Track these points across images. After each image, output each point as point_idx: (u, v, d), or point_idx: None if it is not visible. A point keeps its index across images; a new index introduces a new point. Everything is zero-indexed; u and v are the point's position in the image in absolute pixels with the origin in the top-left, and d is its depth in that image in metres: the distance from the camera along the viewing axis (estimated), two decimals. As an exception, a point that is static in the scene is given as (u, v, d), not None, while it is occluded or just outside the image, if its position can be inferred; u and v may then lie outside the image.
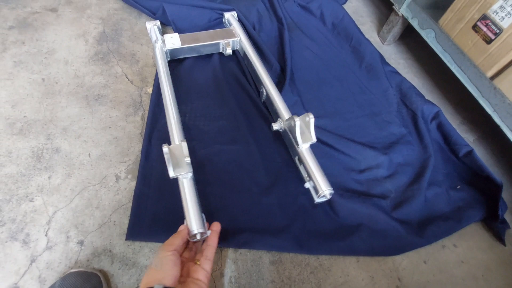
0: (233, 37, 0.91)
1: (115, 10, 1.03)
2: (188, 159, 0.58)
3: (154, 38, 0.86)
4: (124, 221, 0.64)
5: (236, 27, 0.93)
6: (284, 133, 0.74)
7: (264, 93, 0.80)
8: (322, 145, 0.79)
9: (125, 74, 0.86)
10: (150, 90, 0.84)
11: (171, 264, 0.47)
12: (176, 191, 0.60)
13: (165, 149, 0.55)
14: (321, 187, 0.61)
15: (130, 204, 0.65)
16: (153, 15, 0.99)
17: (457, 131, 0.84)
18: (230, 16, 0.97)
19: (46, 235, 0.61)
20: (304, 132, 0.65)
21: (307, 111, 0.85)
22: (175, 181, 0.61)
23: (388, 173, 0.78)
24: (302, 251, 0.63)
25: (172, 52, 0.87)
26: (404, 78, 0.97)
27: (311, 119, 0.62)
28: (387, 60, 1.03)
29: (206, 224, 0.57)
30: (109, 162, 0.71)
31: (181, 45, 0.85)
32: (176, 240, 0.52)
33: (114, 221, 0.63)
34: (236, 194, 0.69)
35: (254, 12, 1.05)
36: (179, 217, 0.59)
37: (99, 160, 0.71)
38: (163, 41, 0.85)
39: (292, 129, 0.66)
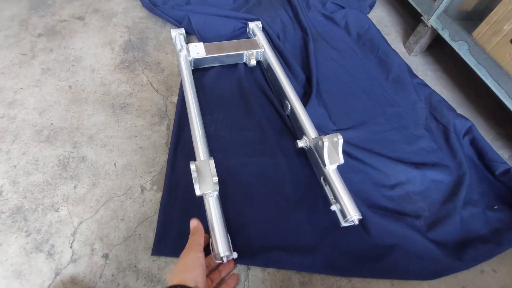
0: (257, 48, 0.89)
1: (141, 18, 1.03)
2: (215, 179, 0.56)
3: (179, 47, 0.86)
4: (149, 234, 0.62)
5: (261, 37, 0.92)
6: (309, 151, 0.71)
7: (289, 108, 0.78)
8: (350, 159, 0.76)
9: (151, 83, 0.86)
10: (175, 99, 0.83)
11: (203, 267, 0.49)
12: (204, 204, 0.59)
13: (192, 166, 0.55)
14: (349, 212, 0.58)
15: (156, 217, 0.63)
16: (179, 24, 0.99)
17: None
18: (255, 26, 0.96)
19: (71, 247, 0.60)
20: (332, 153, 0.62)
21: (334, 124, 0.84)
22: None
23: (420, 189, 0.74)
24: (334, 272, 0.60)
25: (196, 61, 0.87)
26: (434, 91, 0.93)
27: (339, 139, 0.59)
28: (414, 72, 1.01)
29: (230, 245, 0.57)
30: (134, 172, 0.70)
31: (205, 54, 0.85)
32: (201, 240, 0.54)
33: (140, 234, 0.62)
34: (264, 208, 0.66)
35: (278, 21, 1.04)
36: (208, 232, 0.57)
37: (125, 170, 0.70)
38: (188, 50, 0.85)
39: (318, 148, 0.64)
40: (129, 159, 0.71)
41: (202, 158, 0.64)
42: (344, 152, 0.76)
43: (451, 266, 0.63)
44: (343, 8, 1.14)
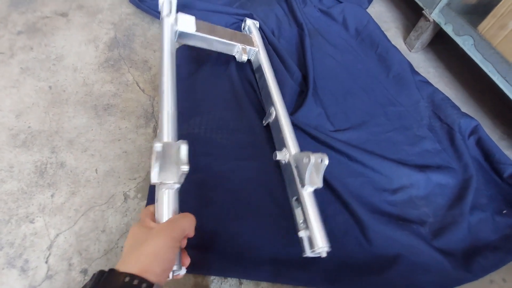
0: (252, 46, 0.83)
1: (128, 15, 0.98)
2: (185, 168, 0.43)
3: (166, 12, 0.71)
4: (132, 247, 0.57)
5: (256, 36, 0.85)
6: (285, 166, 0.61)
7: (273, 115, 0.69)
8: (349, 161, 0.72)
9: (137, 82, 0.81)
10: (163, 99, 0.78)
11: (172, 264, 0.38)
12: (193, 211, 0.51)
13: (158, 145, 0.42)
14: (317, 243, 0.48)
15: (140, 228, 0.58)
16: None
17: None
18: (252, 24, 0.90)
19: (46, 262, 0.55)
20: (313, 174, 0.53)
21: (332, 124, 0.79)
22: (189, 200, 0.54)
23: (424, 193, 0.70)
24: (332, 286, 0.56)
25: (182, 35, 0.74)
26: (437, 89, 0.89)
27: (324, 162, 0.50)
28: (416, 69, 0.96)
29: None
30: (117, 179, 0.65)
31: (195, 31, 0.73)
32: (188, 230, 0.41)
33: (122, 247, 0.57)
34: (256, 217, 0.61)
35: (272, 17, 0.98)
36: (195, 243, 0.52)
37: (107, 176, 0.65)
38: (176, 20, 0.72)
39: (300, 166, 0.54)
40: (112, 165, 0.66)
41: (168, 140, 0.51)
42: (342, 154, 0.72)
43: (459, 278, 0.59)
44: (341, 2, 1.09)
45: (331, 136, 0.73)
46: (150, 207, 0.43)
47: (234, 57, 0.82)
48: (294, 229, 0.61)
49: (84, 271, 0.54)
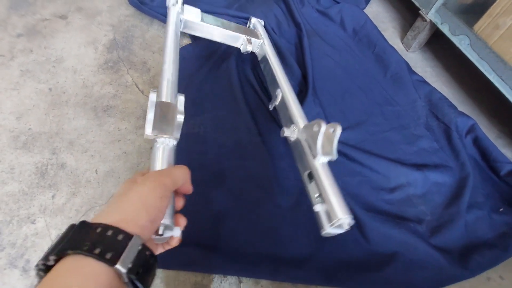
0: (257, 38, 0.82)
1: (126, 16, 0.98)
2: (181, 118, 0.41)
3: (173, 1, 0.71)
4: (132, 246, 0.58)
5: (261, 31, 0.86)
6: (295, 143, 0.57)
7: (279, 97, 0.67)
8: (347, 161, 0.72)
9: (136, 84, 0.81)
10: (162, 100, 0.78)
11: (162, 214, 0.30)
12: (193, 209, 0.47)
13: (153, 95, 0.40)
14: (336, 214, 0.41)
15: (140, 227, 0.59)
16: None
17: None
18: (257, 22, 0.90)
19: (47, 262, 0.55)
20: (325, 145, 0.48)
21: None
22: (189, 198, 0.54)
23: (421, 191, 0.71)
24: (331, 283, 0.56)
25: (188, 24, 0.73)
26: (434, 88, 0.89)
27: (337, 130, 0.45)
28: (413, 69, 0.97)
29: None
30: (117, 179, 0.65)
31: (200, 21, 0.73)
32: (182, 180, 0.34)
33: (122, 247, 0.57)
34: (254, 217, 0.62)
35: (272, 17, 0.99)
36: (195, 241, 0.53)
37: (107, 177, 0.65)
38: (182, 9, 0.72)
39: (311, 136, 0.50)
40: (112, 165, 0.67)
41: (167, 100, 0.47)
42: (340, 153, 0.72)
43: (456, 275, 0.59)
44: (338, 3, 1.09)
45: (329, 136, 0.74)
46: (143, 170, 0.39)
47: (233, 57, 0.83)
48: (293, 227, 0.62)
49: (85, 271, 0.55)
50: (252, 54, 0.85)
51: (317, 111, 0.80)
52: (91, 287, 0.22)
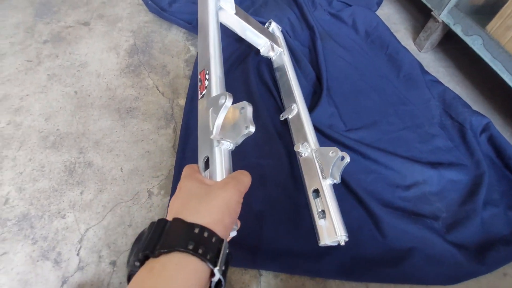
0: (278, 45, 0.86)
1: (146, 22, 1.03)
2: (251, 129, 0.39)
3: None
4: (157, 240, 0.60)
5: (281, 38, 0.89)
6: (305, 160, 0.64)
7: (294, 112, 0.73)
8: (363, 159, 0.74)
9: (156, 86, 0.85)
10: (181, 101, 0.82)
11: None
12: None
13: (229, 100, 0.39)
14: (337, 231, 0.51)
15: (164, 222, 0.62)
16: (189, 26, 0.97)
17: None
18: (275, 27, 0.93)
19: (78, 255, 0.58)
20: (334, 169, 0.58)
21: (344, 124, 0.82)
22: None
23: (437, 189, 0.71)
24: (348, 278, 0.58)
25: (222, 12, 0.72)
26: (447, 88, 0.90)
27: (346, 160, 0.55)
28: (426, 69, 0.97)
29: None
30: (141, 177, 0.68)
31: (234, 13, 0.73)
32: (248, 186, 0.37)
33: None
34: (274, 213, 0.64)
35: (286, 21, 1.02)
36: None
37: (131, 175, 0.68)
38: None
39: (324, 159, 0.59)
40: (136, 164, 0.70)
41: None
42: (355, 151, 0.74)
43: (473, 271, 0.60)
44: (350, 6, 1.11)
45: (344, 135, 0.75)
46: (194, 165, 0.41)
47: (250, 59, 0.86)
48: (309, 222, 0.63)
49: (113, 263, 0.58)
50: (268, 61, 0.88)
51: (331, 111, 0.82)
52: (193, 282, 0.26)
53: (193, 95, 0.80)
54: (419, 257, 0.60)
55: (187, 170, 0.39)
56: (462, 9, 0.89)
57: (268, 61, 0.89)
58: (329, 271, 0.58)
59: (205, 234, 0.27)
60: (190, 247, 0.26)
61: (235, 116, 0.42)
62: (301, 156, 0.65)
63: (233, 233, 0.38)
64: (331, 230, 0.52)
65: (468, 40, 0.87)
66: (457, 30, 0.90)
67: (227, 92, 0.40)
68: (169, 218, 0.29)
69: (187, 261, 0.26)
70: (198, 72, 0.53)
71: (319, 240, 0.54)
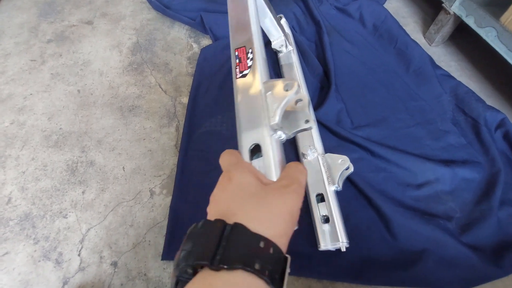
0: (290, 43, 0.84)
1: (148, 20, 1.01)
2: (313, 124, 0.38)
3: None
4: (159, 241, 0.59)
5: (291, 36, 0.87)
6: (309, 162, 0.64)
7: None
8: (372, 157, 0.71)
9: (159, 84, 0.84)
10: (184, 99, 0.80)
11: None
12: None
13: (296, 88, 0.36)
14: (339, 237, 0.54)
15: (166, 223, 0.60)
16: (193, 21, 0.96)
17: (528, 141, 0.73)
18: (285, 23, 0.91)
19: (79, 255, 0.57)
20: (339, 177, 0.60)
21: (352, 120, 0.79)
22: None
23: (450, 188, 0.68)
24: (357, 281, 0.55)
25: None
26: (460, 82, 0.87)
27: (350, 169, 0.59)
28: (437, 63, 0.94)
29: None
30: (143, 176, 0.67)
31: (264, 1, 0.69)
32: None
33: (149, 241, 0.59)
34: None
35: (291, 16, 1.00)
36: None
37: (133, 174, 0.67)
38: None
39: (332, 166, 0.61)
40: (138, 163, 0.69)
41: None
42: (365, 149, 0.71)
43: (488, 274, 0.57)
44: (357, -1, 1.08)
45: (352, 132, 0.73)
46: (235, 151, 0.33)
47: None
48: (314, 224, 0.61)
49: (114, 264, 0.56)
50: (272, 53, 0.86)
51: (339, 107, 0.80)
52: None
53: (196, 93, 0.78)
54: (431, 260, 0.57)
55: (231, 157, 0.31)
56: (474, 1, 0.85)
57: (273, 55, 0.87)
58: (337, 273, 0.56)
59: (271, 251, 0.23)
60: (257, 266, 0.21)
61: (292, 107, 0.39)
62: (306, 158, 0.65)
63: None
64: (335, 235, 0.54)
65: (481, 32, 0.83)
66: (470, 22, 0.86)
67: (295, 81, 0.37)
68: (213, 212, 0.25)
69: (250, 283, 0.22)
70: (233, 48, 0.48)
71: (319, 244, 0.55)
